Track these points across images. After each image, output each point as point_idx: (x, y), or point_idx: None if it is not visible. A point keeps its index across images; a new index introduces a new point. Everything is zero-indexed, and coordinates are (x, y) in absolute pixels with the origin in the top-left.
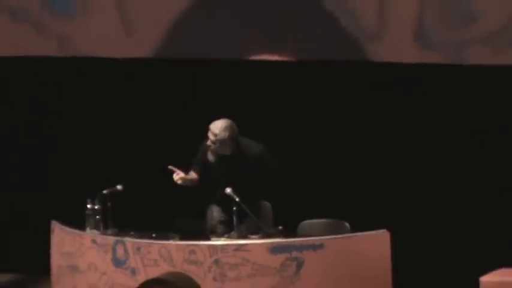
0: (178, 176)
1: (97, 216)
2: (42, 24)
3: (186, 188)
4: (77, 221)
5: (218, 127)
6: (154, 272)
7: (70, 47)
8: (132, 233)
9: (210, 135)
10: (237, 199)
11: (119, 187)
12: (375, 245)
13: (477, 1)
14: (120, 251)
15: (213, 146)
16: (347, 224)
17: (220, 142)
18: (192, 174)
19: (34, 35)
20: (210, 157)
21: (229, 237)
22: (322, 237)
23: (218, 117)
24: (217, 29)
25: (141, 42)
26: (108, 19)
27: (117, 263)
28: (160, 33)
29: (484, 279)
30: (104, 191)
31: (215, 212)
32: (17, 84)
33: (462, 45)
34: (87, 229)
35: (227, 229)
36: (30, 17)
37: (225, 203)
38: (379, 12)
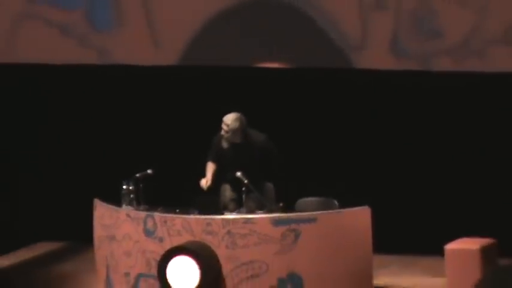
0: (205, 182)
1: (131, 195)
2: (85, 38)
3: (202, 171)
4: (115, 199)
5: (230, 119)
6: (178, 241)
7: (107, 57)
8: (159, 208)
9: (224, 126)
10: (246, 181)
11: (149, 171)
12: (358, 218)
13: (441, 19)
14: (149, 223)
15: (226, 135)
16: (336, 202)
17: (232, 131)
18: (210, 165)
19: (78, 46)
20: (224, 145)
21: (239, 212)
22: (315, 213)
23: (230, 111)
24: (229, 41)
25: (166, 51)
26: (138, 32)
27: (148, 233)
28: (183, 45)
29: (448, 246)
30: (137, 175)
31: (227, 192)
32: (65, 87)
33: (429, 55)
34: (123, 205)
35: (237, 205)
36: (75, 32)
37: (235, 184)
38: (362, 28)
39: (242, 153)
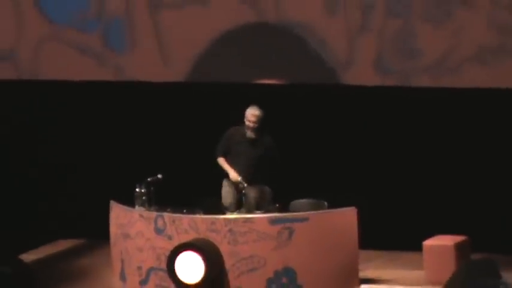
0: (236, 176)
1: (143, 197)
2: (102, 57)
3: (206, 176)
4: (129, 201)
5: (256, 110)
6: (185, 238)
7: (122, 74)
8: (168, 209)
9: (252, 117)
10: (245, 185)
11: (159, 176)
12: (346, 218)
13: (420, 40)
14: (160, 223)
15: (254, 125)
16: (325, 203)
17: (260, 121)
18: (224, 160)
19: (96, 65)
20: (242, 138)
21: (240, 213)
22: (307, 213)
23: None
24: (231, 60)
25: (175, 69)
26: (149, 52)
27: (158, 231)
28: (189, 63)
29: (426, 243)
30: (148, 179)
31: (228, 194)
32: (84, 101)
33: (409, 72)
34: (136, 206)
35: (237, 206)
36: (93, 52)
37: (236, 186)
38: (349, 48)
39: (253, 150)
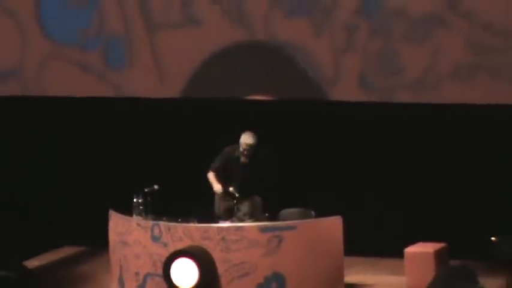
0: (220, 188)
1: (140, 207)
2: (102, 75)
3: (200, 187)
4: (127, 210)
5: (249, 137)
6: (180, 245)
7: (121, 91)
8: (164, 218)
9: (245, 146)
10: (237, 195)
11: (155, 187)
12: (332, 226)
13: (401, 59)
14: (156, 231)
15: (247, 153)
16: (313, 212)
17: (253, 148)
18: (214, 175)
19: (97, 82)
20: (237, 161)
21: (232, 221)
22: (295, 221)
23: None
24: (224, 77)
25: (170, 86)
26: (146, 70)
27: (154, 239)
28: (184, 81)
29: (408, 250)
30: (145, 190)
31: (220, 203)
32: (85, 116)
33: (391, 89)
34: (134, 216)
35: (229, 215)
36: (94, 70)
37: (229, 196)
38: (335, 66)
39: (246, 172)
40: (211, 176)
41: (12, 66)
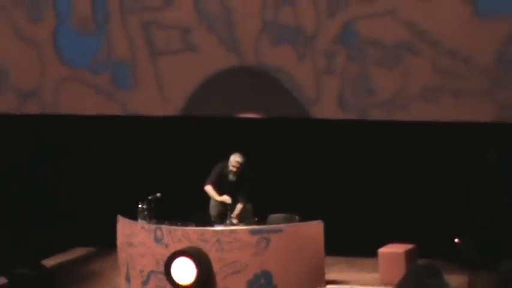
0: (227, 198)
1: (145, 212)
2: (111, 95)
3: (197, 195)
4: (133, 215)
5: (239, 157)
6: (179, 246)
7: (127, 109)
8: (166, 222)
9: (235, 163)
10: (230, 201)
11: (158, 195)
12: (314, 229)
13: (375, 81)
14: (158, 233)
15: (236, 170)
16: (297, 217)
17: (242, 166)
18: (211, 188)
19: (106, 101)
20: (229, 176)
21: (226, 225)
22: (281, 225)
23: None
24: (219, 97)
25: (171, 105)
26: (149, 91)
27: (157, 240)
28: (183, 100)
29: (381, 250)
30: (149, 197)
31: (214, 207)
32: (96, 131)
33: (366, 108)
34: (139, 220)
35: (223, 220)
36: (104, 91)
37: (222, 204)
38: (316, 88)
39: (235, 187)
40: (209, 188)
41: (32, 88)
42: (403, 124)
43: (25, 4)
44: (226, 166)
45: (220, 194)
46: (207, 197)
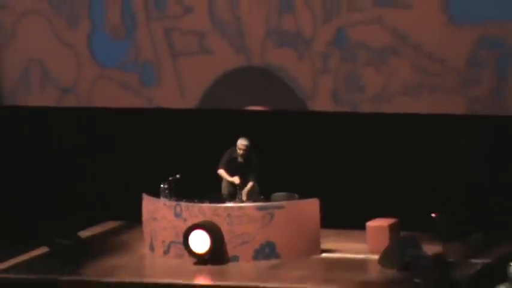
0: (238, 180)
1: (166, 191)
2: (138, 91)
3: (211, 177)
4: (156, 194)
5: (244, 140)
6: (196, 220)
7: (152, 103)
8: (184, 200)
9: (242, 146)
10: (239, 182)
11: (177, 176)
12: (311, 206)
13: (364, 79)
14: (178, 209)
15: (243, 153)
16: (296, 195)
17: (248, 149)
18: (224, 170)
19: (134, 96)
20: (238, 159)
21: (235, 202)
22: (283, 202)
23: (228, 140)
24: (230, 92)
25: (189, 99)
26: (171, 87)
27: (176, 215)
28: (199, 95)
29: (369, 224)
30: (170, 178)
31: (227, 188)
32: (126, 122)
33: (357, 102)
34: (161, 198)
35: (233, 198)
36: (132, 87)
37: (232, 184)
38: (314, 84)
39: (243, 168)
40: (221, 171)
41: (71, 84)
42: (388, 115)
43: (64, 14)
44: (235, 151)
45: (231, 175)
46: (220, 179)
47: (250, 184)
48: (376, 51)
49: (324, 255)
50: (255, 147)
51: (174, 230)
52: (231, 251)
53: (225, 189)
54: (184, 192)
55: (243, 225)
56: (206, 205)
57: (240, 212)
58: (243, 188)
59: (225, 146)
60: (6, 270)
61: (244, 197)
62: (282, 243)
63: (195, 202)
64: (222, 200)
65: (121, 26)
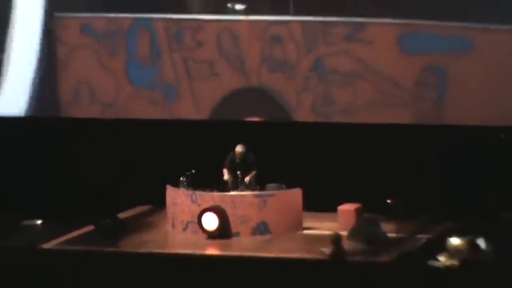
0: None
1: (184, 183)
2: (163, 106)
3: (219, 173)
4: (176, 185)
5: (240, 147)
6: (207, 205)
7: (173, 115)
8: (198, 189)
9: (237, 153)
10: (239, 173)
11: (193, 171)
12: (295, 194)
13: (335, 96)
14: (193, 197)
15: (239, 156)
16: (284, 186)
17: (244, 156)
18: (225, 170)
19: (159, 110)
20: (236, 160)
21: (238, 191)
22: (274, 191)
23: (232, 144)
24: (234, 106)
25: (202, 112)
26: (187, 102)
27: (192, 201)
28: (209, 109)
29: (340, 208)
30: (187, 173)
31: (230, 179)
32: (151, 130)
33: (330, 114)
34: (180, 188)
35: (235, 188)
36: (158, 103)
37: (236, 176)
38: (297, 100)
39: (240, 168)
40: (225, 171)
41: (110, 101)
42: (354, 125)
43: (107, 46)
44: (234, 154)
45: (232, 172)
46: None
47: (253, 172)
48: (345, 75)
49: (306, 232)
50: (253, 149)
51: (191, 213)
52: (234, 228)
53: (229, 181)
54: (198, 183)
55: (244, 208)
56: (215, 193)
57: (241, 199)
58: (243, 181)
59: (229, 149)
60: (61, 244)
61: (244, 187)
62: (273, 222)
63: (206, 191)
64: (227, 189)
65: (149, 55)
